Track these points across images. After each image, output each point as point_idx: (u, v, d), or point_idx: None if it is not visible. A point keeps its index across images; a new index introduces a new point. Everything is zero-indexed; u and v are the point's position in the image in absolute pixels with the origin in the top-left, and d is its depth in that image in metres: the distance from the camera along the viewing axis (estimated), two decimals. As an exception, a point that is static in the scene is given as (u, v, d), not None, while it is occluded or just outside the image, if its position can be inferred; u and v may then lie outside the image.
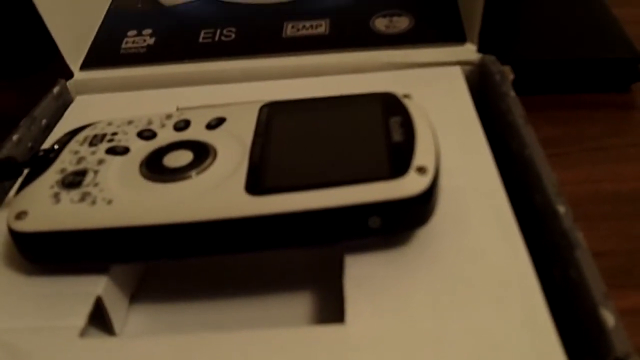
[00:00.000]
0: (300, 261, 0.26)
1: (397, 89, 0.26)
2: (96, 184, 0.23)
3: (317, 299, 0.24)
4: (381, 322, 0.20)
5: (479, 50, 0.35)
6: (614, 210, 0.32)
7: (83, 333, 0.22)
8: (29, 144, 0.32)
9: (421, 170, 0.22)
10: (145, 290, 0.26)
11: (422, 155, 0.22)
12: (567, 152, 0.36)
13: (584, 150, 0.36)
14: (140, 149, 0.25)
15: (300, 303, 0.24)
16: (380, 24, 0.37)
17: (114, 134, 0.26)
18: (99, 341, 0.22)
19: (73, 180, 0.24)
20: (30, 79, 0.48)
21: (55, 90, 0.36)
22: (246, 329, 0.21)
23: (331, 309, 0.23)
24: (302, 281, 0.25)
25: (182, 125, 0.26)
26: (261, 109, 0.26)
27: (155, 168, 0.24)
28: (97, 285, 0.23)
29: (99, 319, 0.23)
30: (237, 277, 0.26)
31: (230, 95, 0.33)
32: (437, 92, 0.31)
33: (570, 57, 0.40)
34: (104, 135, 0.26)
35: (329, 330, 0.20)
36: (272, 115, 0.26)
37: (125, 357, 0.20)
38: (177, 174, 0.23)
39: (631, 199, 0.32)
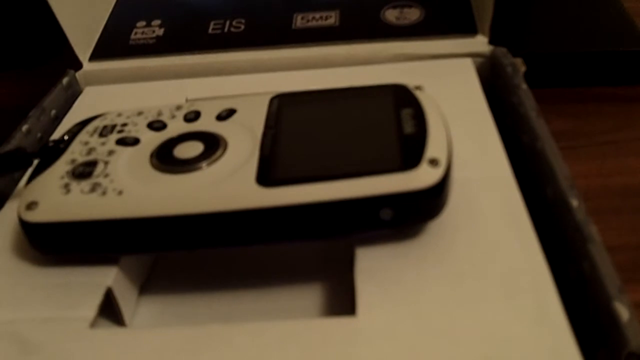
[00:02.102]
0: (311, 254, 0.25)
1: (408, 81, 0.26)
2: (106, 175, 0.23)
3: (328, 292, 0.24)
4: (392, 314, 0.20)
5: (491, 42, 0.35)
6: (625, 204, 0.32)
7: (93, 324, 0.21)
8: (38, 135, 0.32)
9: (433, 162, 0.21)
10: (155, 281, 0.25)
11: (435, 147, 0.22)
12: (576, 146, 0.36)
13: (594, 143, 0.36)
14: (151, 140, 0.25)
15: (311, 295, 0.24)
16: (391, 15, 0.37)
17: (124, 124, 0.26)
18: (109, 332, 0.22)
19: (83, 171, 0.24)
20: (39, 70, 0.48)
21: (65, 81, 0.36)
22: (256, 321, 0.21)
23: (342, 302, 0.23)
24: (313, 274, 0.25)
25: (193, 116, 0.26)
26: (272, 100, 0.26)
27: (165, 159, 0.24)
28: (107, 276, 0.23)
29: (109, 310, 0.23)
30: (247, 269, 0.25)
31: (240, 86, 0.33)
32: (448, 84, 0.31)
33: (581, 50, 0.40)
34: (114, 126, 0.26)
35: (340, 323, 0.20)
36: (283, 107, 0.26)
37: (136, 348, 0.20)
38: (187, 165, 0.23)
39: (642, 193, 0.32)
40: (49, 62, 0.48)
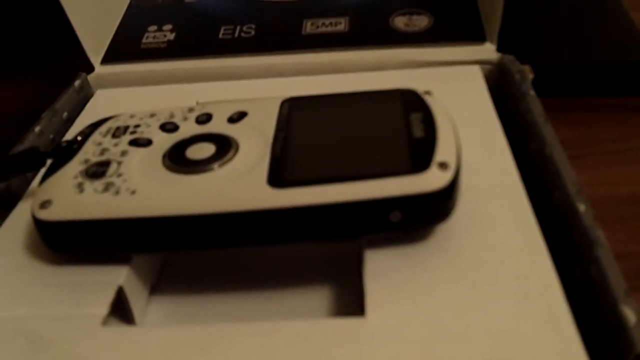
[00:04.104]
0: (320, 255, 0.26)
1: (416, 87, 0.26)
2: (119, 175, 0.24)
3: (336, 293, 0.24)
4: (401, 315, 0.20)
5: (498, 49, 0.35)
6: (631, 213, 0.32)
7: (105, 322, 0.22)
8: (51, 136, 0.33)
9: (443, 165, 0.22)
10: (165, 281, 0.26)
11: (444, 150, 0.22)
12: (583, 155, 0.36)
13: (600, 152, 0.36)
14: (163, 141, 0.25)
15: (320, 296, 0.24)
16: (400, 22, 0.37)
17: (137, 126, 0.27)
18: (120, 330, 0.22)
19: (97, 171, 0.24)
20: (51, 73, 0.49)
21: (77, 83, 0.36)
22: (265, 321, 0.21)
23: (350, 303, 0.23)
24: (322, 275, 0.25)
25: (204, 118, 0.26)
26: (282, 103, 0.27)
27: (178, 160, 0.24)
28: (118, 275, 0.23)
29: (120, 309, 0.23)
30: (257, 269, 0.26)
31: (250, 91, 0.33)
32: (456, 91, 0.31)
33: (588, 60, 0.40)
34: (127, 127, 0.27)
35: (349, 323, 0.21)
36: (294, 110, 0.26)
37: (146, 346, 0.21)
38: (199, 166, 0.24)
39: (648, 202, 0.32)
40: (61, 65, 0.49)
